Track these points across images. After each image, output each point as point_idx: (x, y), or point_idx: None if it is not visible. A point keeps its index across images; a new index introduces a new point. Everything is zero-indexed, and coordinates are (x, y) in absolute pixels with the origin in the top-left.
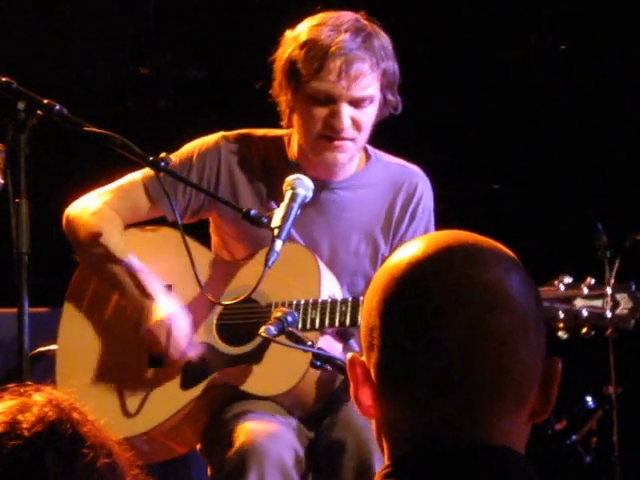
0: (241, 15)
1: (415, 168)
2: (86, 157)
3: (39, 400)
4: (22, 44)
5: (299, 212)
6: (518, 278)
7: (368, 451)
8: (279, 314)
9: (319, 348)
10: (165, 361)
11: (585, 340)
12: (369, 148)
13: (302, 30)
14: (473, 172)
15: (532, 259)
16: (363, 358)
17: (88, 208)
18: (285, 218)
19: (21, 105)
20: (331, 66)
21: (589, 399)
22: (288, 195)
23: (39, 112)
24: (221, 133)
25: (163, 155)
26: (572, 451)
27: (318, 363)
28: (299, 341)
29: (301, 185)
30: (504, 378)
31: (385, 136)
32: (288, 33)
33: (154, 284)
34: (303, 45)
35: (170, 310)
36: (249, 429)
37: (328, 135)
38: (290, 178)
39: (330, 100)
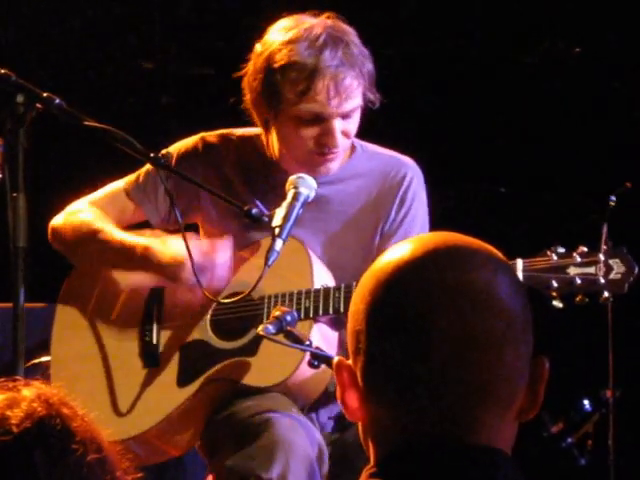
0: (247, 10)
1: (404, 158)
2: (85, 152)
3: (28, 395)
4: (22, 37)
5: (301, 211)
6: (506, 280)
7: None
8: (278, 313)
9: (317, 347)
10: (208, 285)
11: (584, 343)
12: (354, 140)
13: (276, 50)
14: (481, 175)
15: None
16: (350, 362)
17: (72, 211)
18: (286, 217)
19: (20, 98)
20: (319, 87)
21: (586, 402)
22: (290, 194)
23: (38, 105)
24: (200, 135)
25: (164, 152)
26: (567, 453)
27: (316, 363)
28: (297, 340)
29: (304, 184)
30: (490, 379)
31: (389, 138)
32: (258, 47)
33: (155, 241)
34: (283, 69)
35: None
36: (274, 423)
37: (320, 151)
38: (292, 177)
39: (320, 119)
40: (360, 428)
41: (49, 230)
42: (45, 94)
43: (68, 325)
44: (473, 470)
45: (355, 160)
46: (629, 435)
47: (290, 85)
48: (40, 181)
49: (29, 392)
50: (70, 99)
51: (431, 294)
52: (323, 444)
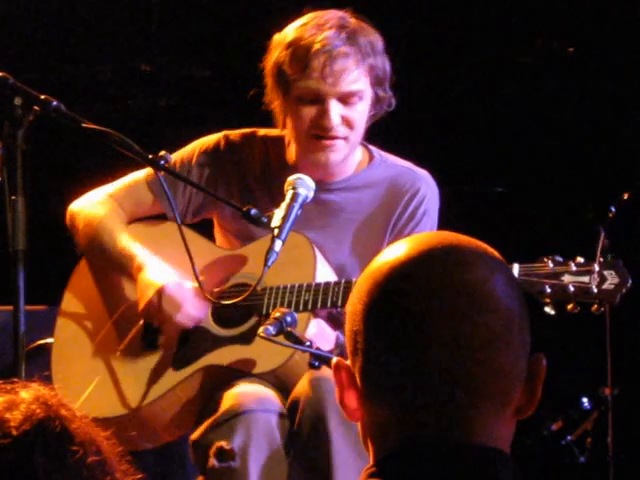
0: (244, 13)
1: (421, 172)
2: (84, 154)
3: (26, 397)
4: (21, 40)
5: (300, 212)
6: (502, 278)
7: (321, 408)
8: (278, 314)
9: (317, 348)
10: (167, 330)
11: (583, 342)
12: (374, 150)
13: (287, 32)
14: (476, 175)
15: (531, 260)
16: (348, 362)
17: (92, 201)
18: (285, 218)
19: (18, 101)
20: (315, 64)
21: (585, 400)
22: (289, 195)
23: (36, 108)
24: (223, 132)
25: (162, 153)
26: (567, 451)
27: (316, 363)
28: (297, 341)
29: (302, 185)
30: (488, 378)
31: (387, 138)
32: (275, 37)
33: (152, 260)
34: (288, 46)
35: (167, 279)
36: (236, 394)
37: (318, 134)
38: (291, 178)
39: (318, 99)
40: (359, 428)
41: (67, 213)
42: (43, 96)
43: (73, 309)
44: (472, 469)
45: (373, 169)
46: (628, 433)
47: (292, 62)
48: (39, 184)
49: (27, 394)
50: (68, 101)
51: (427, 294)
52: (285, 421)
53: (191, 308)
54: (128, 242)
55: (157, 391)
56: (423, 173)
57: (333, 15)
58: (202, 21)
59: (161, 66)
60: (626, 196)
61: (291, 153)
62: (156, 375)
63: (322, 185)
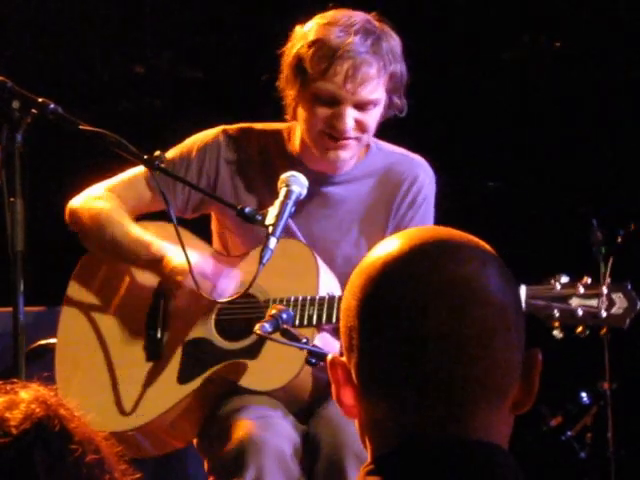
0: (236, 15)
1: (418, 158)
2: (82, 155)
3: (26, 397)
4: (17, 43)
5: (294, 209)
6: (495, 272)
7: (341, 456)
8: (274, 312)
9: (314, 345)
10: (197, 307)
11: (580, 336)
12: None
13: (312, 27)
14: (469, 169)
15: (527, 256)
16: (344, 359)
17: (92, 195)
18: (279, 216)
19: (15, 104)
20: (338, 68)
21: (584, 395)
22: (282, 192)
23: (33, 111)
24: (221, 127)
25: (157, 153)
26: (567, 447)
27: (313, 360)
28: (294, 338)
29: (295, 182)
30: (484, 373)
31: (382, 132)
32: (298, 28)
33: (168, 245)
34: (312, 44)
35: (193, 259)
36: (247, 422)
37: (331, 134)
38: (284, 175)
39: (334, 102)
40: (357, 425)
41: (67, 211)
42: (40, 99)
43: (77, 312)
44: (471, 466)
45: (370, 159)
46: (627, 427)
47: (314, 61)
48: (38, 185)
49: (27, 394)
50: (64, 104)
51: (419, 289)
52: (298, 440)
53: (223, 283)
54: (141, 231)
55: (163, 405)
56: (419, 159)
57: (360, 18)
58: (195, 23)
59: (155, 68)
60: (633, 227)
61: (294, 145)
62: (161, 388)
63: (324, 178)
